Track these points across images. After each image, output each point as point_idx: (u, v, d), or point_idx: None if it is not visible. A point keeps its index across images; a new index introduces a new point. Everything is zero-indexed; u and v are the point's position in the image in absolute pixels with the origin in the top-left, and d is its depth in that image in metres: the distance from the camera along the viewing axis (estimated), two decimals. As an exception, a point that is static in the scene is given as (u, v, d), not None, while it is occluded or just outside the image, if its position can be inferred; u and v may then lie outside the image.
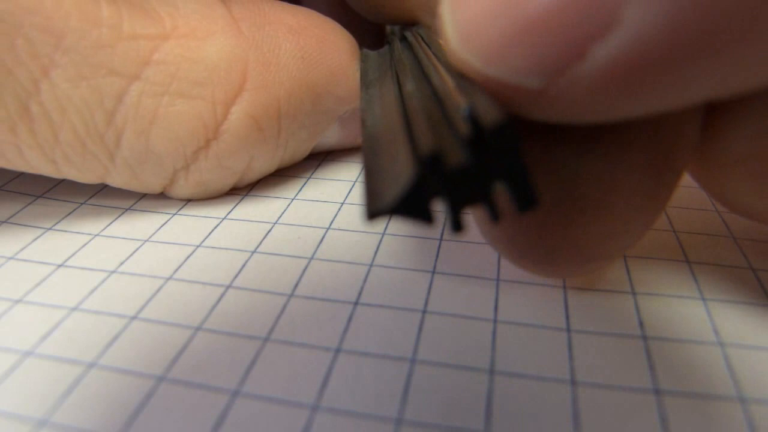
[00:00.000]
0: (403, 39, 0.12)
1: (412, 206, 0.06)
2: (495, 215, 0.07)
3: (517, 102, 0.07)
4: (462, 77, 0.08)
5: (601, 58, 0.06)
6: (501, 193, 0.07)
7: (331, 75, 0.14)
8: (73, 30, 0.11)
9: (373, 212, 0.06)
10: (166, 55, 0.12)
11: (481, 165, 0.07)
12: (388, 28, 0.16)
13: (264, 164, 0.14)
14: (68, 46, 0.11)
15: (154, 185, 0.14)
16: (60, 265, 0.12)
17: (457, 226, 0.07)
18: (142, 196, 0.15)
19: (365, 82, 0.11)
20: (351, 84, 0.14)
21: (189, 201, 0.15)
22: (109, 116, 0.12)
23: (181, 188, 0.14)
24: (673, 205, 0.14)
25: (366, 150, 0.08)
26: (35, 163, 0.12)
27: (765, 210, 0.10)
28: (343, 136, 0.16)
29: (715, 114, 0.10)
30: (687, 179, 0.15)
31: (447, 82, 0.08)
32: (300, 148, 0.15)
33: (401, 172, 0.07)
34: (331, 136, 0.16)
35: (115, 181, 0.13)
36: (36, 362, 0.10)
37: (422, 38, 0.11)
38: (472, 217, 0.11)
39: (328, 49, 0.14)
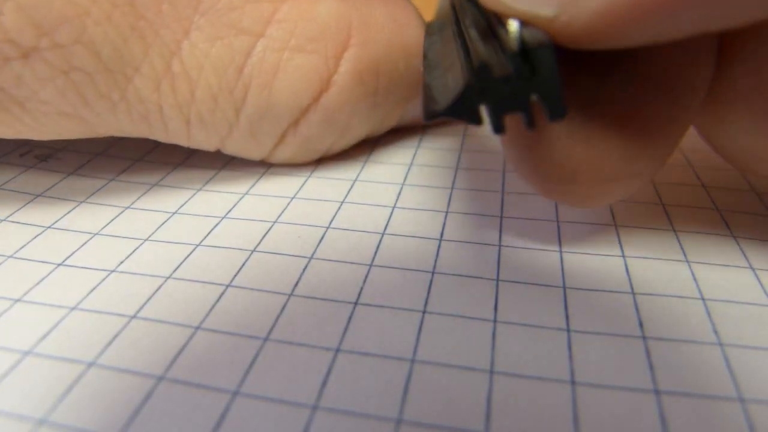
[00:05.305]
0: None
1: (462, 108, 0.08)
2: (531, 123, 0.08)
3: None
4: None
5: None
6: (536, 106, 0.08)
7: (418, 39, 0.16)
8: None
9: (431, 113, 0.08)
10: (285, 15, 0.14)
11: (522, 78, 0.08)
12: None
13: (359, 125, 0.16)
14: (205, 9, 0.13)
15: (264, 146, 0.15)
16: (59, 264, 0.12)
17: (499, 128, 0.08)
18: (143, 194, 0.15)
19: (429, 34, 0.13)
20: None
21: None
22: (238, 72, 0.13)
23: (286, 147, 0.15)
24: (674, 203, 0.14)
25: (425, 70, 0.10)
26: (172, 125, 0.14)
27: (761, 152, 0.11)
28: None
29: (723, 50, 0.10)
30: (688, 179, 0.15)
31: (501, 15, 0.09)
32: (389, 113, 0.16)
33: (455, 82, 0.08)
34: (413, 109, 0.17)
35: (234, 142, 0.15)
36: (35, 361, 0.10)
37: None
38: (505, 153, 0.12)
39: (412, 15, 0.16)
